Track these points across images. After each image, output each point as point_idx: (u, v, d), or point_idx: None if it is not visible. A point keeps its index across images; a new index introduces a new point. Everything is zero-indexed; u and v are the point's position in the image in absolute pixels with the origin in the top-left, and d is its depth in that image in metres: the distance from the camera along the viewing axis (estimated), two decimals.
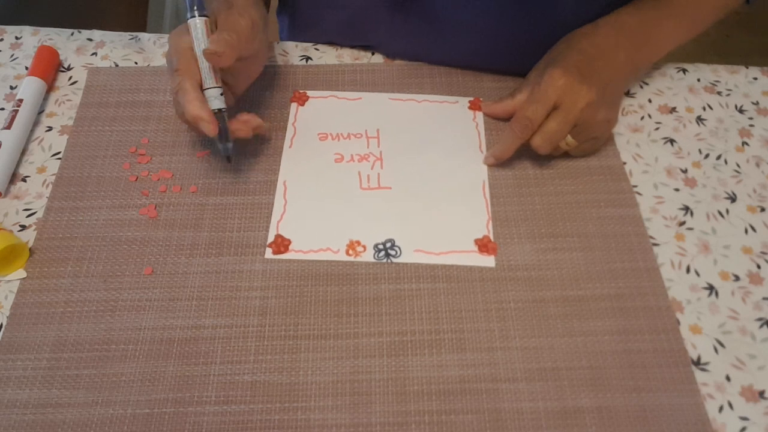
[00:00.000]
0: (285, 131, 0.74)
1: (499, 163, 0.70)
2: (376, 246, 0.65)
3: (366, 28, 0.79)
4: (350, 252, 0.65)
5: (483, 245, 0.65)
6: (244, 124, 0.66)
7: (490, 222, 0.66)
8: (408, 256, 0.64)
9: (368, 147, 0.72)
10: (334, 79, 0.79)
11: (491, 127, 0.73)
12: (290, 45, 0.83)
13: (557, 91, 0.65)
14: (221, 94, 0.64)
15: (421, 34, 0.75)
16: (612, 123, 0.70)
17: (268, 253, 0.65)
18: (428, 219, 0.67)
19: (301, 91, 0.77)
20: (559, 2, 0.69)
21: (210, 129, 0.62)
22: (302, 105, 0.76)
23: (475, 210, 0.67)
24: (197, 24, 0.63)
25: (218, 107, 0.63)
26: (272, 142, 0.73)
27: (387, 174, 0.70)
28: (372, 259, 0.64)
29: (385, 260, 0.64)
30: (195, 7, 0.62)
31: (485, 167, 0.71)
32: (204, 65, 0.63)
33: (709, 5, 0.73)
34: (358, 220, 0.67)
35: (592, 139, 0.69)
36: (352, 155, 0.71)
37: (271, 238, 0.65)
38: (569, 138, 0.67)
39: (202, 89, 0.63)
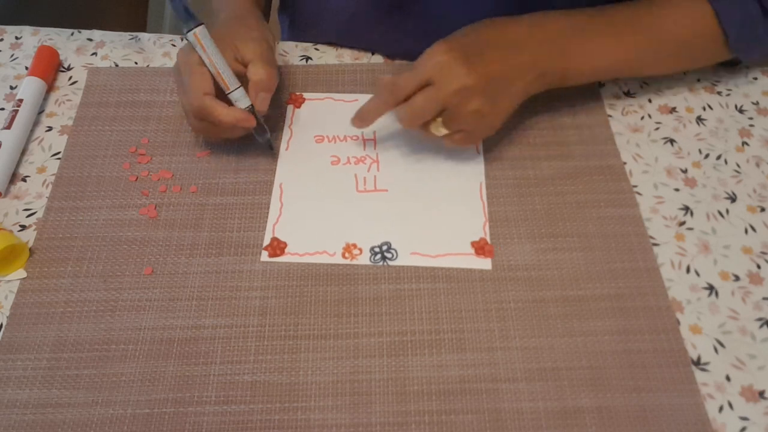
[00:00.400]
0: (281, 133, 0.74)
1: (363, 127, 0.68)
2: (372, 249, 0.65)
3: (365, 29, 0.79)
4: (346, 255, 0.65)
5: (479, 248, 0.65)
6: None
7: (487, 224, 0.66)
8: (404, 259, 0.64)
9: (365, 149, 0.72)
10: (333, 80, 0.79)
11: None
12: (290, 45, 0.83)
13: (434, 66, 0.62)
14: (244, 92, 0.66)
15: (420, 35, 0.74)
16: (487, 119, 0.65)
17: (264, 256, 0.65)
18: (425, 222, 0.67)
19: (297, 93, 0.77)
20: (556, 3, 0.69)
21: (250, 122, 0.66)
22: (298, 107, 0.76)
23: (471, 212, 0.67)
24: (199, 34, 0.63)
25: (246, 105, 0.66)
26: (272, 142, 0.73)
27: (383, 176, 0.70)
28: (368, 262, 0.64)
29: (381, 263, 0.64)
30: (190, 21, 0.62)
31: (482, 169, 0.70)
32: (223, 70, 0.64)
33: (671, 38, 0.69)
34: (355, 222, 0.67)
35: (464, 132, 0.65)
36: (348, 158, 0.71)
37: (267, 241, 0.66)
38: (441, 126, 0.64)
39: (223, 93, 0.65)
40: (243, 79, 0.66)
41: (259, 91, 0.65)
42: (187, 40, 0.64)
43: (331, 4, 0.79)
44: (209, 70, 0.64)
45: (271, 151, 0.71)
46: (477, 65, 0.62)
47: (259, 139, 0.69)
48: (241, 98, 0.66)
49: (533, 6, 0.68)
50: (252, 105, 0.66)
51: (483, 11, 0.69)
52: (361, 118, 0.67)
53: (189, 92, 0.63)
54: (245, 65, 0.66)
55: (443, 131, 0.65)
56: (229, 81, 0.65)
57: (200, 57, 0.64)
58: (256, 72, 0.65)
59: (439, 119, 0.64)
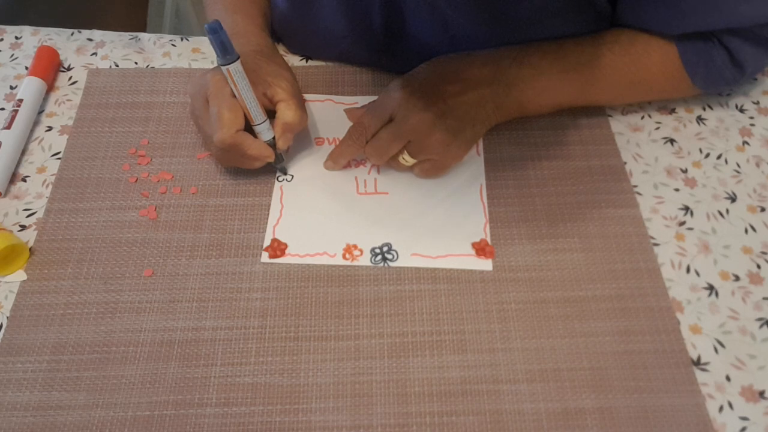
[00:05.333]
0: None
1: (335, 169, 0.71)
2: (372, 250, 0.65)
3: (356, 63, 0.80)
4: (347, 256, 0.65)
5: (480, 249, 0.65)
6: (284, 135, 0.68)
7: (488, 225, 0.66)
8: (405, 260, 0.64)
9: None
10: (334, 80, 0.79)
11: (489, 130, 0.73)
12: None
13: (392, 103, 0.65)
14: (269, 125, 0.66)
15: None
16: (452, 147, 0.66)
17: (265, 257, 0.65)
18: (425, 223, 0.67)
19: None
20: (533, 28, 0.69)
21: (271, 158, 0.67)
22: None
23: (472, 213, 0.67)
24: (233, 69, 0.62)
25: (269, 138, 0.66)
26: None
27: (383, 179, 0.70)
28: (369, 263, 0.64)
29: (382, 264, 0.64)
30: (227, 55, 0.61)
31: (482, 170, 0.70)
32: (252, 104, 0.64)
33: (628, 77, 0.70)
34: (355, 224, 0.67)
35: (431, 161, 0.67)
36: (348, 160, 0.71)
37: (267, 242, 0.65)
38: (407, 155, 0.66)
39: (250, 124, 0.65)
40: (267, 112, 0.67)
41: (285, 132, 0.67)
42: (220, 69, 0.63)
43: (319, 47, 0.80)
44: (239, 104, 0.64)
45: (285, 175, 0.71)
46: (433, 99, 0.64)
47: (275, 166, 0.70)
48: (264, 131, 0.66)
49: (513, 34, 0.69)
50: (273, 138, 0.67)
51: (469, 42, 0.69)
52: (334, 160, 0.70)
53: (222, 127, 0.63)
54: (273, 102, 0.67)
55: (411, 161, 0.67)
56: (256, 114, 0.65)
57: (232, 89, 0.63)
58: (289, 114, 0.66)
59: (406, 151, 0.66)
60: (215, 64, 0.74)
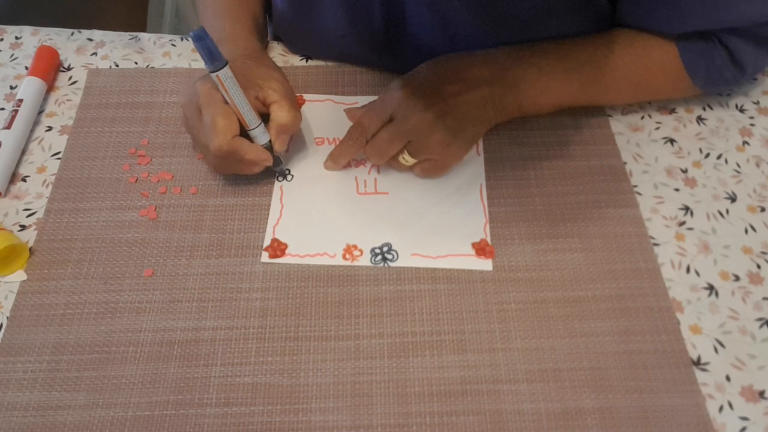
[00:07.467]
0: None
1: (335, 168, 0.71)
2: (372, 250, 0.65)
3: (356, 62, 0.80)
4: (347, 256, 0.64)
5: (480, 249, 0.65)
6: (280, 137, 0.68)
7: (488, 225, 0.66)
8: (405, 260, 0.64)
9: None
10: (334, 80, 0.78)
11: (489, 130, 0.73)
12: None
13: (393, 103, 0.65)
14: (264, 129, 0.66)
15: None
16: (451, 148, 0.66)
17: (265, 257, 0.65)
18: (425, 223, 0.67)
19: (297, 95, 0.77)
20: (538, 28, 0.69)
21: (269, 161, 0.67)
22: None
23: (472, 213, 0.67)
24: (223, 75, 0.61)
25: (265, 141, 0.66)
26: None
27: (383, 179, 0.70)
28: (369, 264, 0.64)
29: (381, 264, 0.64)
30: (215, 61, 0.60)
31: (482, 170, 0.70)
32: (245, 108, 0.63)
33: (628, 77, 0.70)
34: (355, 224, 0.67)
35: (431, 161, 0.67)
36: (348, 160, 0.71)
37: (267, 242, 0.65)
38: (407, 155, 0.66)
39: (245, 129, 0.65)
40: (261, 116, 0.66)
41: (281, 134, 0.66)
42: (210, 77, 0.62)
43: (320, 45, 0.80)
44: (232, 110, 0.63)
45: (285, 179, 0.71)
46: (434, 99, 0.64)
47: (274, 169, 0.70)
48: (259, 135, 0.66)
49: (512, 34, 0.69)
50: (270, 141, 0.66)
51: (469, 42, 0.69)
52: (334, 160, 0.70)
53: (218, 134, 0.62)
54: (266, 104, 0.66)
55: (411, 161, 0.67)
56: (250, 119, 0.64)
57: (223, 96, 0.63)
58: (282, 115, 0.66)
59: (406, 151, 0.66)
60: None
